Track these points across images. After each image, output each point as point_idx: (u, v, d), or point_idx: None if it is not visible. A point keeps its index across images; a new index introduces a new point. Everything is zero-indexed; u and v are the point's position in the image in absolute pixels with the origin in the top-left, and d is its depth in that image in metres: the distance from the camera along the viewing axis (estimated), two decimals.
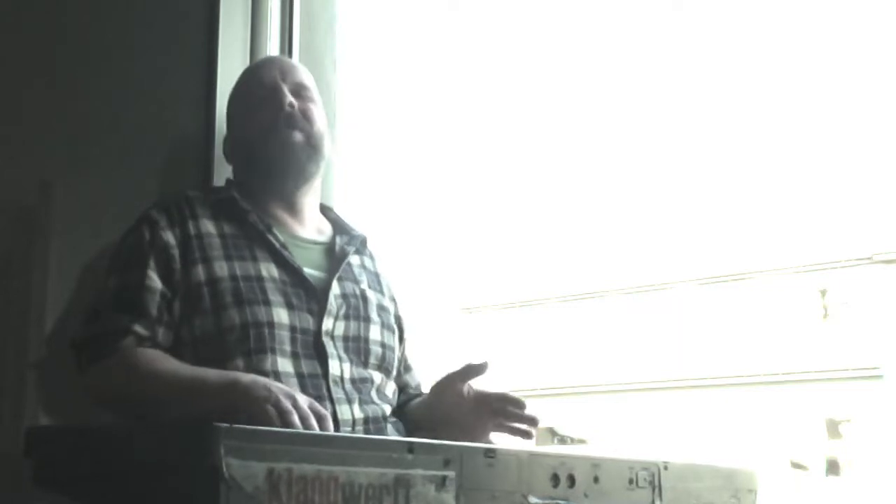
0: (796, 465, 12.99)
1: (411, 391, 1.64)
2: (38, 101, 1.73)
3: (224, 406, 1.21)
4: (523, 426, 1.43)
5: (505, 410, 1.44)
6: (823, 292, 13.65)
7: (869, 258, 13.14)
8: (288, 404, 1.17)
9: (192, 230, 1.43)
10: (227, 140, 1.64)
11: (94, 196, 1.69)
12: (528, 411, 1.44)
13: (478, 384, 1.49)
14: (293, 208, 1.56)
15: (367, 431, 1.39)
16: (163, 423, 1.04)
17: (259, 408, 1.17)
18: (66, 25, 1.79)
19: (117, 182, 1.70)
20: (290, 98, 1.54)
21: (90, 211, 1.68)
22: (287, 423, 1.16)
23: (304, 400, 1.20)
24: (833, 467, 12.96)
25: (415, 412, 1.56)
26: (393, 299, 1.63)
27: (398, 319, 1.62)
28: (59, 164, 1.71)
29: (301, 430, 1.15)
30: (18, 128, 1.71)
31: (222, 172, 1.67)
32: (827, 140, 16.29)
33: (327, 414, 1.21)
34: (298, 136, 1.53)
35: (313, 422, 1.17)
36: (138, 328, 1.35)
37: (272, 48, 1.90)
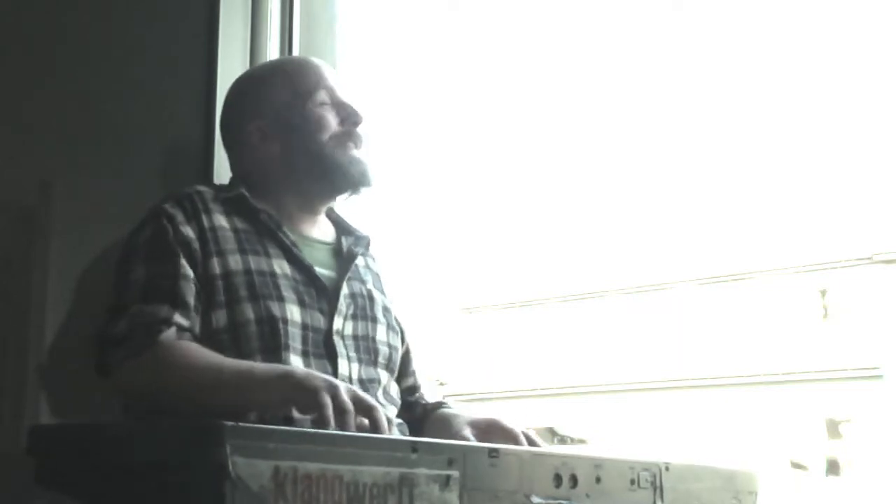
0: (796, 465, 12.99)
1: (419, 396, 1.64)
2: (38, 101, 1.73)
3: (274, 399, 1.22)
4: None
5: None
6: (823, 292, 13.65)
7: (869, 258, 13.14)
8: (347, 400, 1.17)
9: (206, 223, 1.42)
10: (254, 126, 1.54)
11: (94, 196, 1.69)
12: None
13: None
14: (312, 210, 1.57)
15: None
16: (168, 422, 1.03)
17: (316, 401, 1.17)
18: (66, 25, 1.79)
19: (117, 182, 1.70)
20: (363, 121, 1.56)
21: (90, 211, 1.68)
22: (343, 423, 1.16)
23: (357, 395, 1.20)
24: (833, 467, 12.97)
25: (443, 423, 1.55)
26: (392, 301, 1.63)
27: (398, 321, 1.62)
28: (59, 164, 1.71)
29: (353, 431, 1.15)
30: (18, 128, 1.71)
31: (222, 172, 1.67)
32: (827, 140, 16.30)
33: (377, 406, 1.21)
34: (364, 157, 1.55)
35: (383, 420, 1.18)
36: (179, 318, 1.34)
37: (272, 48, 1.90)
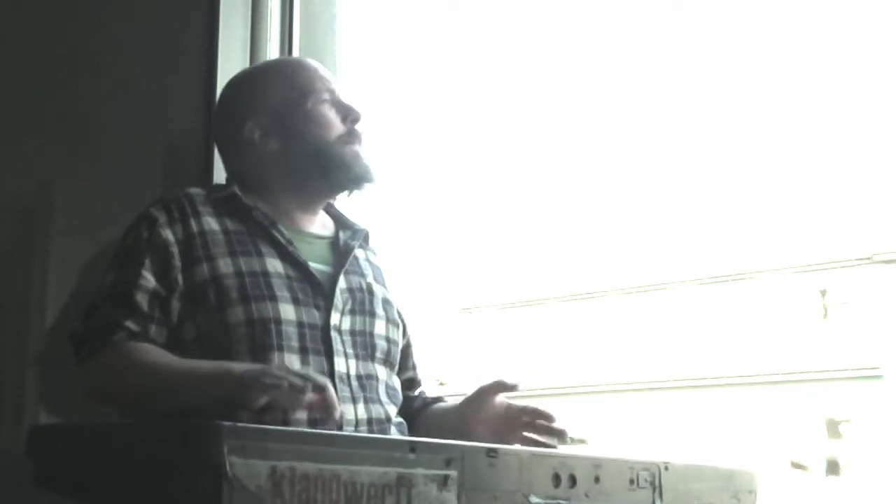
0: (796, 465, 12.99)
1: (421, 392, 1.65)
2: (38, 101, 1.74)
3: (218, 397, 1.22)
4: (551, 439, 1.47)
5: (534, 424, 1.47)
6: (823, 292, 13.64)
7: (869, 258, 13.14)
8: (286, 396, 1.18)
9: (194, 228, 1.43)
10: (251, 124, 1.54)
11: (94, 196, 1.70)
12: (557, 424, 1.47)
13: (507, 398, 1.53)
14: (310, 208, 1.57)
15: (370, 432, 1.39)
16: (165, 422, 1.04)
17: (254, 398, 1.18)
18: (66, 25, 1.79)
19: (117, 182, 1.70)
20: (362, 118, 1.56)
21: (90, 211, 1.68)
22: (286, 417, 1.17)
23: (298, 378, 1.20)
24: (833, 467, 12.96)
25: (440, 418, 1.57)
26: (394, 294, 1.63)
27: (399, 314, 1.62)
28: (59, 164, 1.71)
29: (303, 423, 1.16)
30: (18, 128, 1.72)
31: (222, 172, 1.67)
32: (826, 140, 16.30)
33: (326, 383, 1.21)
34: (364, 152, 1.56)
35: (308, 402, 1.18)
36: (129, 323, 1.36)
37: (272, 48, 1.90)
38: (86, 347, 1.37)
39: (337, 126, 1.54)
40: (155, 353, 1.35)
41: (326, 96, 1.55)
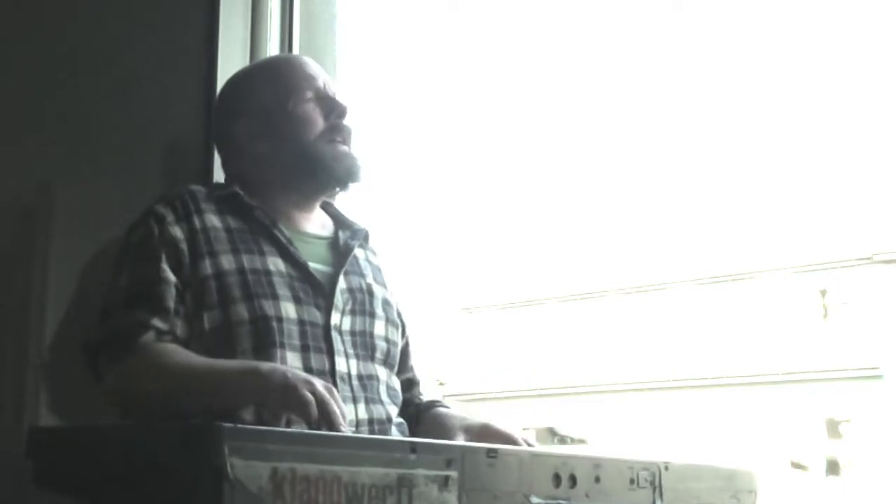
0: (796, 465, 12.99)
1: (415, 394, 1.65)
2: (38, 101, 1.74)
3: (245, 396, 1.23)
4: None
5: None
6: (823, 292, 13.64)
7: (869, 258, 13.13)
8: (307, 394, 1.18)
9: (197, 224, 1.43)
10: (240, 126, 1.55)
11: (94, 196, 1.70)
12: None
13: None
14: (306, 207, 1.57)
15: (371, 433, 1.39)
16: (165, 423, 1.04)
17: (279, 398, 1.19)
18: (66, 25, 1.79)
19: (117, 182, 1.70)
20: (347, 112, 1.55)
21: (90, 211, 1.68)
22: (306, 414, 1.17)
23: (322, 386, 1.20)
24: (833, 467, 12.96)
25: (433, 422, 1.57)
26: (393, 294, 1.63)
27: (399, 315, 1.62)
28: (59, 164, 1.71)
29: (316, 424, 1.16)
30: (18, 128, 1.72)
31: (222, 172, 1.67)
32: (826, 140, 16.30)
33: (343, 409, 1.21)
34: (351, 150, 1.55)
35: (335, 408, 1.17)
36: (157, 322, 1.35)
37: (272, 48, 1.91)
38: (110, 352, 1.35)
39: (318, 124, 1.53)
40: (182, 354, 1.34)
41: (310, 94, 1.55)
